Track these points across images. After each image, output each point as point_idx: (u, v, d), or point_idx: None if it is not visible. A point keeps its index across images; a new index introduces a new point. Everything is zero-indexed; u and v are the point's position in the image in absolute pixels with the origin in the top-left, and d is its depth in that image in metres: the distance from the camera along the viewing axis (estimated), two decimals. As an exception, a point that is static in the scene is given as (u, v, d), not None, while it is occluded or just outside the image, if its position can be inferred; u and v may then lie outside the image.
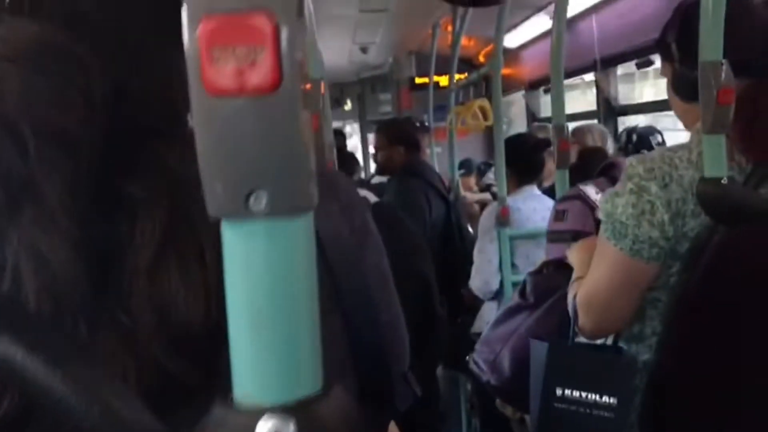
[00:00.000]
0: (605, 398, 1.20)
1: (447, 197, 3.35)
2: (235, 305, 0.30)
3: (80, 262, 0.40)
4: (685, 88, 1.28)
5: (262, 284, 0.29)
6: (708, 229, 1.17)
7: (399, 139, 3.34)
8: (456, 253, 3.22)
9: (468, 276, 2.86)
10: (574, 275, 1.43)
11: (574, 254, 1.49)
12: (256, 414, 0.29)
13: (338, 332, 0.55)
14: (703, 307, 1.21)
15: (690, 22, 1.23)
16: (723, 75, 1.15)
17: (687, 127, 1.34)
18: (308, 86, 1.00)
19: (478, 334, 2.70)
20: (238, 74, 0.26)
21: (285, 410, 0.30)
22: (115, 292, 0.41)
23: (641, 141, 2.21)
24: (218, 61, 0.26)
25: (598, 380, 1.21)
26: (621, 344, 1.30)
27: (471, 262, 2.88)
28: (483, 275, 2.76)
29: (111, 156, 0.42)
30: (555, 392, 1.22)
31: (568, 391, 1.21)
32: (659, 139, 2.24)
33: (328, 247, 0.55)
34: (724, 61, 1.15)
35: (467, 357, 1.82)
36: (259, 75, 0.26)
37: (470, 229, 3.53)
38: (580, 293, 1.31)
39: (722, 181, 1.14)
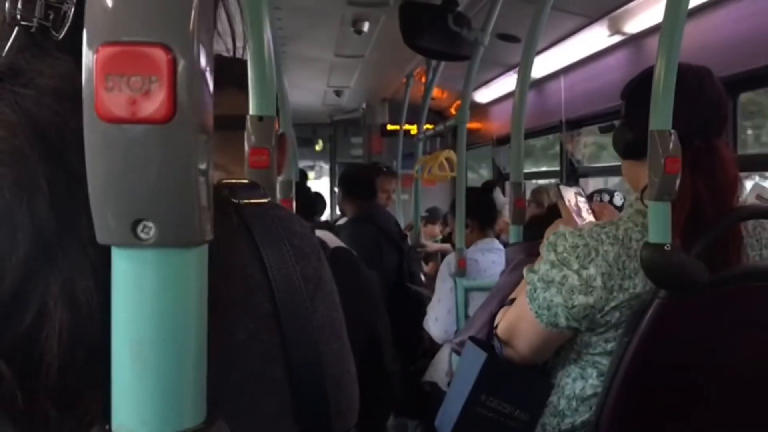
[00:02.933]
0: (518, 412, 1.30)
1: (400, 244, 3.35)
2: (118, 332, 0.29)
3: (102, 304, 0.38)
4: (619, 143, 1.35)
5: (148, 314, 0.29)
6: (649, 293, 1.18)
7: (351, 185, 3.36)
8: (407, 300, 3.22)
9: (418, 324, 2.85)
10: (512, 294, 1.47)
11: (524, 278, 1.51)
12: None
13: (280, 380, 0.54)
14: (642, 371, 1.22)
15: (639, 87, 1.29)
16: (671, 144, 1.18)
17: (630, 185, 1.38)
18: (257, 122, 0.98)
19: (430, 383, 2.69)
20: (131, 103, 0.26)
21: None
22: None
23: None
24: (112, 89, 0.26)
25: (518, 396, 1.30)
26: (561, 399, 1.31)
27: (421, 309, 2.87)
28: (443, 325, 2.76)
29: None
30: (480, 398, 1.30)
31: (491, 399, 1.30)
32: None
33: (278, 292, 0.54)
34: (672, 131, 1.18)
35: None
36: (152, 105, 0.26)
37: (422, 278, 3.55)
38: (501, 325, 1.35)
39: (666, 248, 1.16)
